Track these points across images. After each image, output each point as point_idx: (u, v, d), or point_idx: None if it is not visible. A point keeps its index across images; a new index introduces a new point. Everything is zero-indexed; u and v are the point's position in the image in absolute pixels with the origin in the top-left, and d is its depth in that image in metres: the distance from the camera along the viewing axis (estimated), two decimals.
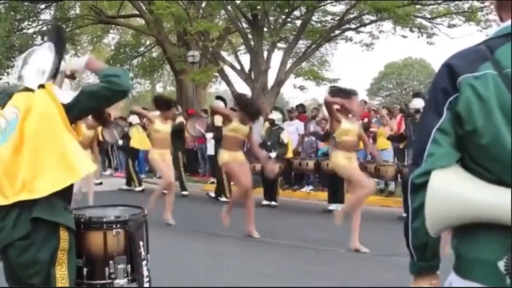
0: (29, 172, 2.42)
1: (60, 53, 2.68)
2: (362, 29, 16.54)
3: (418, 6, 14.93)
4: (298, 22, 16.50)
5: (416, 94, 9.03)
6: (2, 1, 18.56)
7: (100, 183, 12.43)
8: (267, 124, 10.25)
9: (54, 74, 2.69)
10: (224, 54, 18.82)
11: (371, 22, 15.98)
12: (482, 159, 1.47)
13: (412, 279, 1.66)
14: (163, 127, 7.83)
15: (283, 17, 15.39)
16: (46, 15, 20.52)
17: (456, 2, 14.81)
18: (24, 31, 19.53)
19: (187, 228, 7.56)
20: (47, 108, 2.51)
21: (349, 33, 16.99)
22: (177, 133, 10.41)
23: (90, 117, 8.24)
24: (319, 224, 8.11)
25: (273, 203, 9.78)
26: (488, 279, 1.45)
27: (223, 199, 10.39)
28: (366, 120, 10.75)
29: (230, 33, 18.60)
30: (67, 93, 2.68)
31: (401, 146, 9.21)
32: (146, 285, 3.02)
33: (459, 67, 1.49)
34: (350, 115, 6.39)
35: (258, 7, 14.22)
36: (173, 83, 30.67)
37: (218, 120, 10.13)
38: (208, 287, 4.83)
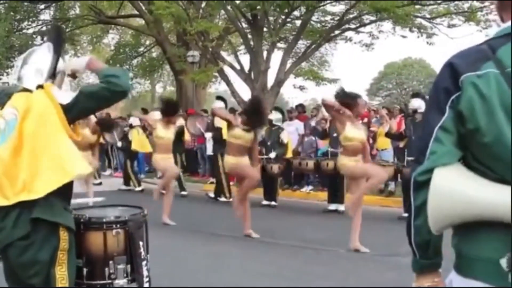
0: (28, 172, 2.43)
1: (58, 53, 2.68)
2: (361, 29, 16.54)
3: (417, 6, 14.92)
4: (298, 22, 16.50)
5: (415, 94, 9.03)
6: (2, 1, 18.56)
7: (100, 183, 12.44)
8: (266, 124, 10.25)
9: (53, 74, 2.69)
10: (224, 54, 18.82)
11: (371, 22, 15.97)
12: (484, 157, 1.47)
13: (414, 277, 1.66)
14: (165, 133, 7.77)
15: (283, 17, 15.38)
16: (46, 15, 20.56)
17: (456, 2, 14.80)
18: (24, 31, 19.53)
19: (187, 228, 7.55)
20: (45, 109, 2.51)
21: (348, 33, 16.99)
22: (177, 135, 10.43)
23: (94, 122, 8.33)
24: (319, 224, 8.12)
25: (273, 203, 9.78)
26: (490, 277, 1.45)
27: (222, 199, 10.40)
28: (366, 120, 10.74)
29: (229, 33, 18.60)
30: (66, 94, 2.68)
31: (401, 145, 9.19)
32: (146, 285, 3.01)
33: (461, 66, 1.50)
34: (355, 120, 6.32)
35: (258, 7, 14.21)
36: (173, 83, 30.69)
37: (218, 121, 10.14)
38: (208, 287, 4.83)
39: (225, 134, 9.74)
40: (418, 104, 8.47)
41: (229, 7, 15.12)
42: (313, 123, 11.01)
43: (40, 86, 2.59)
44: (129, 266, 2.97)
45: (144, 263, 3.01)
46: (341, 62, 40.44)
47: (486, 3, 13.81)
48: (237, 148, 6.77)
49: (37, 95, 2.56)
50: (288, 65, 15.48)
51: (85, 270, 2.88)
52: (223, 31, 17.05)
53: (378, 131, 10.54)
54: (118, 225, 2.98)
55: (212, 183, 11.48)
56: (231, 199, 10.24)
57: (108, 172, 15.35)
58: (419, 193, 1.54)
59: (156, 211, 6.86)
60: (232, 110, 11.81)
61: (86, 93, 2.60)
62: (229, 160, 6.88)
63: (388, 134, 8.91)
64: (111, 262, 2.92)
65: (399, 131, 8.88)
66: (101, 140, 9.99)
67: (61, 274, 2.51)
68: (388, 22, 15.64)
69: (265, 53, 15.39)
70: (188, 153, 12.77)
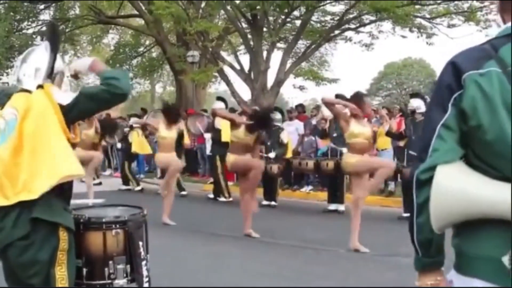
0: (28, 172, 2.43)
1: (55, 52, 2.68)
2: (361, 29, 16.52)
3: (417, 6, 14.91)
4: (298, 22, 16.48)
5: (414, 94, 9.03)
6: (1, 2, 18.55)
7: (100, 183, 12.45)
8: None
9: (50, 73, 2.68)
10: (223, 54, 18.80)
11: (371, 22, 15.96)
12: (486, 155, 1.48)
13: (417, 276, 1.66)
14: (168, 133, 7.86)
15: (283, 17, 15.37)
16: (46, 16, 20.52)
17: (456, 2, 14.79)
18: (24, 31, 19.52)
19: (186, 228, 7.55)
20: (45, 109, 2.51)
21: (348, 33, 16.97)
22: (176, 138, 10.46)
23: (97, 124, 8.48)
24: (318, 224, 8.12)
25: (272, 203, 9.77)
26: (491, 276, 1.45)
27: (222, 199, 10.40)
28: (366, 120, 10.73)
29: (229, 33, 18.59)
30: (66, 94, 2.67)
31: (401, 144, 9.19)
32: (146, 285, 3.01)
33: (463, 65, 1.51)
34: (362, 118, 6.30)
35: (258, 7, 14.20)
36: (172, 83, 30.68)
37: (218, 123, 10.14)
38: (208, 287, 4.82)
39: (224, 136, 9.80)
40: (417, 104, 8.47)
41: (229, 7, 15.11)
42: (313, 123, 11.02)
43: (40, 86, 2.59)
44: (128, 266, 2.97)
45: (143, 263, 3.01)
46: (341, 62, 40.47)
47: (486, 3, 13.81)
48: (241, 147, 6.81)
49: (37, 95, 2.56)
50: (288, 65, 15.47)
51: (84, 270, 2.88)
52: (223, 31, 17.04)
53: (378, 131, 10.53)
54: (118, 225, 2.97)
55: (212, 183, 11.49)
56: (230, 199, 10.26)
57: (108, 172, 15.35)
58: (421, 190, 1.54)
59: (156, 211, 6.86)
60: (232, 110, 11.81)
61: (86, 94, 2.60)
62: (231, 159, 6.89)
63: (388, 134, 8.91)
64: (110, 262, 2.92)
65: (399, 131, 8.88)
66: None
67: (61, 274, 2.51)
68: (388, 22, 15.63)
69: (265, 53, 15.38)
70: (188, 153, 12.77)
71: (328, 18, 17.07)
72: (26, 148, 2.45)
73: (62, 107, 2.54)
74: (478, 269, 1.48)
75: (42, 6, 19.73)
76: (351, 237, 6.22)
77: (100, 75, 2.62)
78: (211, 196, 10.68)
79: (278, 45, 17.21)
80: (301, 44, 17.73)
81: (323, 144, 10.46)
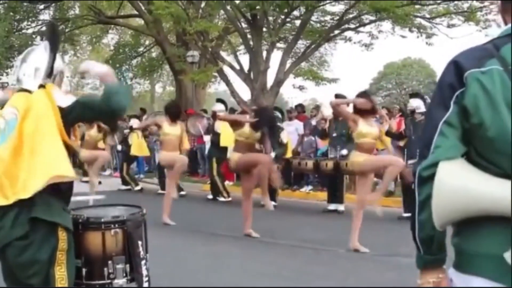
0: (28, 172, 2.42)
1: (54, 51, 2.68)
2: (361, 29, 16.51)
3: (417, 6, 14.90)
4: (298, 22, 16.47)
5: (413, 94, 9.03)
6: (1, 2, 18.54)
7: (100, 183, 12.43)
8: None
9: (50, 73, 2.68)
10: (223, 54, 18.78)
11: (370, 22, 15.95)
12: (487, 152, 1.49)
13: (418, 274, 1.66)
14: (171, 130, 7.84)
15: (282, 17, 15.36)
16: (45, 16, 20.51)
17: (456, 2, 14.78)
18: (24, 31, 19.50)
19: (186, 228, 7.54)
20: (44, 109, 2.51)
21: (348, 33, 16.96)
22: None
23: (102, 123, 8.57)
24: (318, 224, 8.11)
25: (272, 203, 9.74)
26: (492, 273, 1.44)
27: (221, 199, 10.40)
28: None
29: (229, 33, 18.58)
30: (66, 97, 2.68)
31: (401, 143, 9.19)
32: (146, 284, 3.01)
33: (465, 63, 1.52)
34: (370, 117, 6.27)
35: (257, 7, 14.19)
36: (172, 83, 30.65)
37: (218, 126, 10.16)
38: (208, 287, 4.82)
39: (222, 140, 9.84)
40: (417, 104, 8.47)
41: (228, 7, 15.10)
42: (313, 123, 11.01)
43: (42, 86, 2.59)
44: (128, 265, 2.96)
45: (143, 262, 3.01)
46: (340, 62, 40.41)
47: (486, 3, 13.81)
48: (246, 146, 6.81)
49: (37, 95, 2.56)
50: (288, 65, 15.46)
51: (84, 270, 2.88)
52: (222, 31, 17.03)
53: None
54: (117, 225, 2.97)
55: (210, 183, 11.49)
56: (230, 199, 10.25)
57: (108, 172, 15.35)
58: (423, 187, 1.54)
59: (155, 211, 6.85)
60: (232, 110, 11.81)
61: (83, 103, 2.60)
62: (235, 157, 6.87)
63: (388, 133, 8.91)
64: (110, 262, 2.92)
65: (398, 131, 8.88)
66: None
67: (61, 274, 2.51)
68: (387, 22, 15.62)
69: (264, 53, 15.37)
70: (188, 154, 12.76)
71: (327, 18, 17.07)
72: (26, 148, 2.45)
73: (61, 109, 2.54)
74: (478, 266, 1.47)
75: (41, 6, 19.72)
76: (351, 237, 6.21)
77: (106, 85, 2.61)
78: (210, 197, 10.68)
79: (278, 45, 17.19)
80: (301, 44, 17.72)
81: (323, 144, 10.46)
